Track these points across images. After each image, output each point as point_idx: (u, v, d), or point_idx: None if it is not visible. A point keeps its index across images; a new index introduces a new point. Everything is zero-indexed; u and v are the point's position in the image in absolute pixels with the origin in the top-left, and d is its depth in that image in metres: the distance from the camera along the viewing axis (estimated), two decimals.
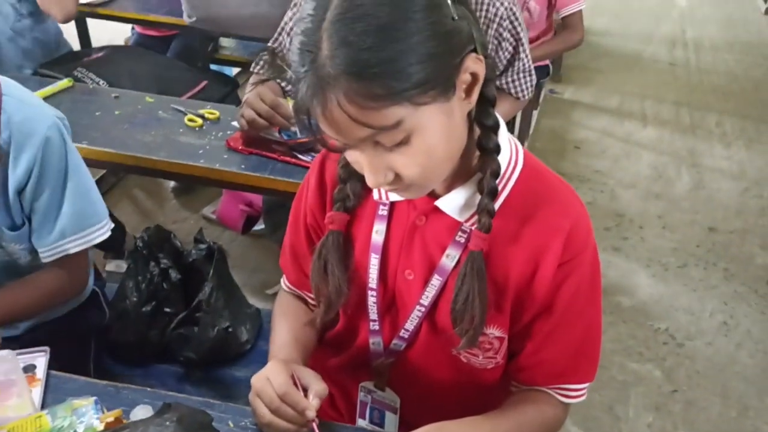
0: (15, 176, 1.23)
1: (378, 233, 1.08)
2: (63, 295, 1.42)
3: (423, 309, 1.07)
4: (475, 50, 0.84)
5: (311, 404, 0.97)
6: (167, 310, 1.61)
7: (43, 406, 1.04)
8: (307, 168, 1.62)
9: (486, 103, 0.91)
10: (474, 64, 0.84)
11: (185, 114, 1.89)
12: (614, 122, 4.21)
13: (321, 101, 0.80)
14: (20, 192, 1.24)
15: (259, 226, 2.71)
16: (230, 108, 1.94)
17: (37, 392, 1.06)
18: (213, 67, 3.28)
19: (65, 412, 1.01)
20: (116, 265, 2.56)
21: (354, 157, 0.89)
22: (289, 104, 1.64)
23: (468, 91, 0.86)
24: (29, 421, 1.00)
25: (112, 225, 1.39)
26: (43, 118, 1.25)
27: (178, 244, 1.67)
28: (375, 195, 1.06)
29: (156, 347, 1.63)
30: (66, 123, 1.30)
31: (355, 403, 1.23)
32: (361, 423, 1.20)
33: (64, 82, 1.97)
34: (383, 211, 1.07)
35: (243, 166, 1.69)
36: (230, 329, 1.60)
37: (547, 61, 3.21)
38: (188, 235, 3.08)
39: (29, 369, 1.11)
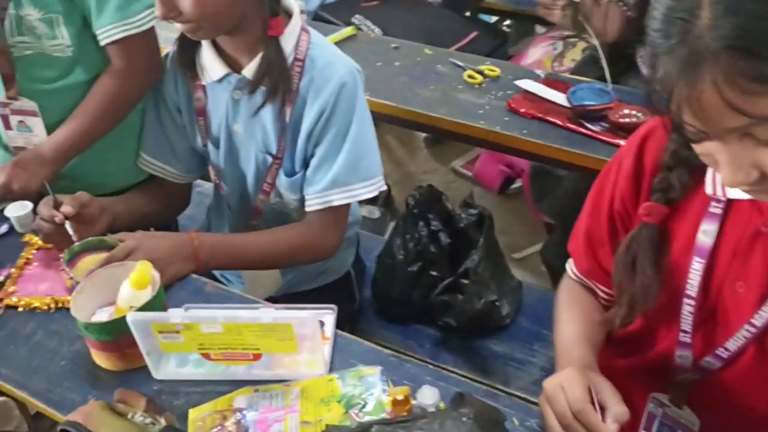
0: (309, 118, 1.23)
1: (706, 234, 0.91)
2: (311, 250, 1.36)
3: (753, 329, 0.90)
4: None
5: (609, 430, 0.85)
6: (433, 273, 1.58)
7: (330, 368, 1.04)
8: (599, 141, 1.49)
9: None
10: None
11: (464, 69, 1.80)
12: None
13: (691, 81, 0.66)
14: (309, 135, 1.25)
15: (516, 184, 2.62)
16: (511, 66, 1.83)
17: (325, 351, 1.06)
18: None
19: (354, 379, 1.00)
20: (369, 211, 2.61)
21: (709, 148, 0.73)
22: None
23: None
24: (322, 382, 1.00)
25: (384, 186, 1.33)
26: (343, 64, 1.25)
27: (449, 207, 1.62)
28: (708, 189, 0.89)
29: (417, 308, 1.61)
30: (361, 74, 1.28)
31: (637, 411, 1.09)
32: None
33: (349, 30, 1.99)
34: (716, 209, 0.90)
35: (525, 131, 1.58)
36: (496, 303, 1.53)
37: None
38: (437, 187, 3.11)
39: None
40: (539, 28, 3.95)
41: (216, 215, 1.51)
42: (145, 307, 1.03)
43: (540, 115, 1.60)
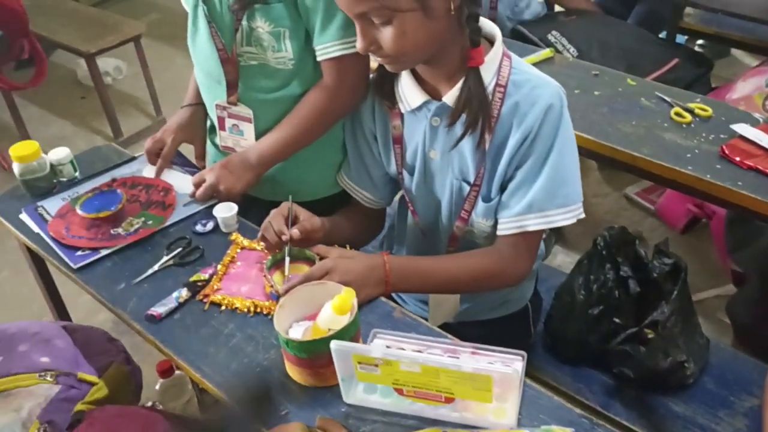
0: (512, 143, 1.20)
1: None
2: (499, 277, 1.32)
3: None
4: None
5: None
6: (615, 320, 1.50)
7: (519, 420, 1.01)
8: None
9: None
10: None
11: (671, 105, 1.69)
12: None
13: None
14: (510, 159, 1.22)
15: None
16: (725, 106, 1.69)
17: (513, 400, 1.03)
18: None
19: None
20: None
21: None
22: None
23: None
24: None
25: (580, 213, 1.27)
26: (548, 86, 1.21)
27: (642, 253, 1.53)
28: None
29: (593, 352, 1.55)
30: (564, 95, 1.23)
31: None
32: None
33: (546, 52, 1.93)
34: None
35: (740, 183, 1.45)
36: (685, 364, 1.43)
37: None
38: (606, 213, 2.98)
39: None
40: (736, 52, 3.67)
41: (399, 238, 1.52)
42: (343, 332, 1.05)
43: (758, 166, 1.47)
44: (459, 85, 1.19)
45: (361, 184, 1.44)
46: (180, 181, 1.54)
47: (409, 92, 1.27)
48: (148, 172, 1.60)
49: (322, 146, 1.48)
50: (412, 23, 1.09)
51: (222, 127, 1.49)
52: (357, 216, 1.47)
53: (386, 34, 1.11)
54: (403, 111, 1.30)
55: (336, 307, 1.05)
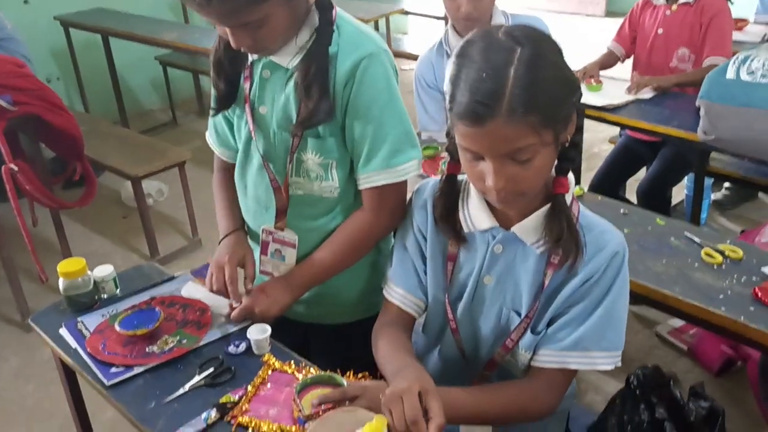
0: (574, 284, 1.21)
1: None
2: (528, 409, 1.27)
3: None
4: None
5: None
6: None
7: None
8: None
9: None
10: None
11: (701, 246, 1.72)
12: None
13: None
14: (568, 297, 1.23)
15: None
16: (756, 250, 1.70)
17: None
18: None
19: None
20: None
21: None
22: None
23: None
24: None
25: (619, 361, 1.25)
26: (615, 233, 1.24)
27: (678, 395, 1.50)
28: None
29: None
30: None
31: None
32: None
33: (576, 190, 1.98)
34: None
35: None
36: None
37: None
38: (637, 351, 2.92)
39: None
40: (764, 196, 3.73)
41: (431, 348, 1.50)
42: None
43: None
44: (536, 215, 1.21)
45: (414, 290, 1.39)
46: (216, 302, 1.58)
47: (477, 214, 1.28)
48: (187, 291, 1.64)
49: (359, 270, 1.51)
50: (549, 157, 1.12)
51: (264, 252, 1.54)
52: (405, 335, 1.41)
53: (526, 172, 1.10)
54: (465, 231, 1.30)
55: None
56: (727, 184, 3.69)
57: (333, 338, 1.61)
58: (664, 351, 2.76)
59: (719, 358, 2.30)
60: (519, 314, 1.29)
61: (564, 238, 1.19)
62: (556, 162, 1.19)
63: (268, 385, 1.36)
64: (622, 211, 1.93)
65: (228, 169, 1.63)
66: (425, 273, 1.39)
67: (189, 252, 3.59)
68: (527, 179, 1.12)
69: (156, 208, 4.00)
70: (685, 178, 3.26)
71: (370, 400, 1.20)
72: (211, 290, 1.52)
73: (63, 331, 1.54)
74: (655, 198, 2.92)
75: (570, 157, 1.19)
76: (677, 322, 2.80)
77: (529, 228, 1.23)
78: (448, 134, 1.23)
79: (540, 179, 1.15)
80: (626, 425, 1.49)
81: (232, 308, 1.51)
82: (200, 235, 3.66)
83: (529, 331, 1.28)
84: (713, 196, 3.63)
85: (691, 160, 2.93)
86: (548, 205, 1.21)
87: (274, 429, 1.25)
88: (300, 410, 1.25)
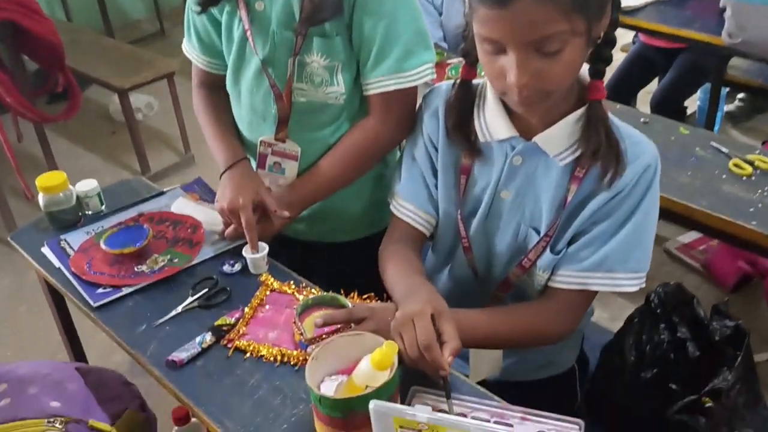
0: (601, 198, 1.11)
1: None
2: (543, 333, 1.20)
3: None
4: None
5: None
6: (672, 386, 1.38)
7: None
8: None
9: None
10: None
11: (729, 157, 1.60)
12: None
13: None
14: (593, 213, 1.12)
15: None
16: None
17: None
18: None
19: None
20: None
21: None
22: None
23: None
24: None
25: (643, 282, 1.17)
26: (649, 144, 1.13)
27: (701, 314, 1.42)
28: None
29: (645, 421, 1.42)
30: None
31: None
32: None
33: None
34: None
35: None
36: None
37: None
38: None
39: None
40: None
41: (440, 267, 1.40)
42: (382, 390, 0.95)
43: None
44: (562, 124, 1.09)
45: (424, 206, 1.27)
46: (209, 218, 1.47)
47: (494, 122, 1.15)
48: (177, 207, 1.53)
49: (364, 183, 1.40)
50: (579, 51, 0.99)
51: (262, 165, 1.42)
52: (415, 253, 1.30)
53: (553, 66, 0.97)
54: (481, 141, 1.18)
55: (375, 362, 0.95)
56: (741, 95, 3.54)
57: (335, 257, 1.51)
58: (673, 267, 2.69)
59: (735, 274, 2.22)
60: (538, 232, 1.19)
61: (602, 151, 1.07)
62: (587, 65, 1.06)
63: (267, 306, 1.27)
64: (642, 120, 1.81)
65: (212, 85, 1.47)
66: (436, 187, 1.27)
67: (182, 168, 3.46)
68: (554, 75, 0.99)
69: (146, 123, 3.85)
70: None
71: (379, 323, 1.11)
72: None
73: (45, 250, 1.44)
74: (669, 109, 2.78)
75: (604, 57, 1.05)
76: (686, 238, 2.72)
77: (552, 138, 1.11)
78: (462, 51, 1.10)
79: (568, 77, 1.03)
80: (644, 345, 1.42)
81: (226, 225, 1.40)
82: (193, 151, 3.53)
83: (548, 250, 1.18)
84: (725, 108, 3.48)
85: (708, 69, 2.78)
86: (576, 114, 1.09)
87: (275, 353, 1.17)
88: (302, 333, 1.16)
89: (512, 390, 1.36)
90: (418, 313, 1.03)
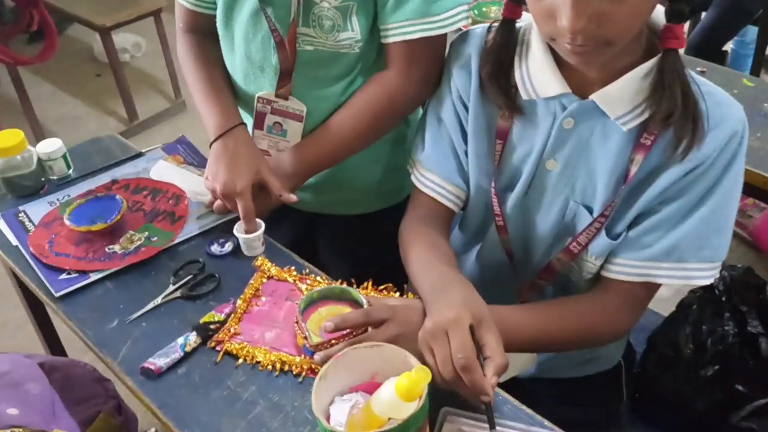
0: (674, 172, 0.90)
1: None
2: (599, 332, 1.01)
3: None
4: None
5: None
6: (739, 387, 1.18)
7: None
8: None
9: None
10: None
11: None
12: None
13: None
14: (662, 191, 0.92)
15: None
16: None
17: None
18: None
19: None
20: None
21: None
22: None
23: None
24: None
25: (717, 274, 0.96)
26: (735, 106, 0.90)
27: None
28: None
29: (699, 423, 1.23)
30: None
31: None
32: None
33: None
34: None
35: None
36: None
37: None
38: None
39: None
40: None
41: (462, 251, 1.19)
42: (409, 423, 0.75)
43: None
44: (627, 79, 0.87)
45: (451, 177, 1.05)
46: (194, 186, 1.25)
47: (541, 76, 0.93)
48: (157, 172, 1.30)
49: (380, 147, 1.17)
50: None
51: (259, 126, 1.18)
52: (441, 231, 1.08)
53: (617, 8, 0.77)
54: (524, 98, 0.96)
55: (402, 392, 0.74)
56: None
57: (345, 233, 1.29)
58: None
59: None
60: (590, 211, 0.97)
61: (677, 114, 0.84)
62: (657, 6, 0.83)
63: (263, 298, 1.06)
64: (698, 69, 1.55)
65: (200, 29, 1.21)
66: (466, 154, 1.05)
67: (172, 115, 3.21)
68: (619, 20, 0.78)
69: (134, 65, 3.58)
70: None
71: (402, 327, 0.90)
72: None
73: (0, 224, 1.22)
74: (708, 53, 2.51)
75: None
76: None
77: (614, 96, 0.89)
78: None
79: (635, 23, 0.81)
80: (705, 337, 1.21)
81: (215, 195, 1.18)
82: (184, 96, 3.27)
83: (602, 233, 0.97)
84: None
85: (750, 9, 2.51)
86: (644, 66, 0.86)
87: (273, 360, 0.96)
88: (306, 337, 0.95)
89: (548, 388, 1.18)
90: (452, 323, 0.82)
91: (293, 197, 1.12)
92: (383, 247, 1.10)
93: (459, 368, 0.80)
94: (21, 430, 1.02)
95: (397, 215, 1.11)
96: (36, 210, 1.23)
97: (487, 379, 0.80)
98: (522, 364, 1.16)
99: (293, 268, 1.10)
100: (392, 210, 1.19)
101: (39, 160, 1.29)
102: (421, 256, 0.99)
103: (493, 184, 1.03)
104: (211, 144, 1.15)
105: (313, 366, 0.94)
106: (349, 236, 1.28)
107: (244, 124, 1.17)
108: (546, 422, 0.88)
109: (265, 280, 1.09)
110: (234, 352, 0.97)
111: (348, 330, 0.92)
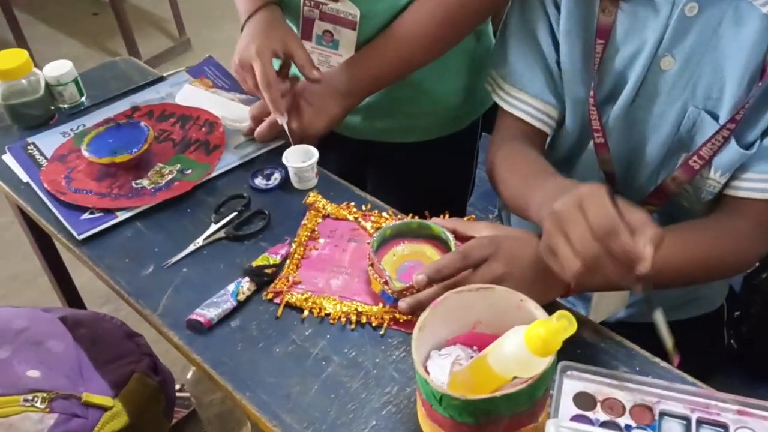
0: None
1: None
2: (730, 260, 0.87)
3: None
4: None
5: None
6: None
7: None
8: None
9: None
10: None
11: None
12: None
13: None
14: None
15: None
16: None
17: None
18: None
19: None
20: None
21: None
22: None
23: None
24: None
25: None
26: None
27: None
28: None
29: None
30: None
31: None
32: None
33: None
34: None
35: None
36: None
37: None
38: None
39: None
40: None
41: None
42: (540, 383, 0.60)
43: None
44: None
45: (541, 92, 0.90)
46: (231, 112, 1.08)
47: None
48: (183, 97, 1.13)
49: (449, 60, 1.00)
50: None
51: (307, 35, 1.00)
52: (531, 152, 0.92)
53: None
54: None
55: (537, 344, 0.58)
56: None
57: (403, 164, 1.12)
58: None
59: None
60: (716, 117, 0.81)
61: None
62: None
63: (321, 240, 0.90)
64: None
65: None
66: (558, 64, 0.87)
67: (176, 55, 3.02)
68: None
69: (133, 2, 3.36)
70: None
71: (508, 264, 0.75)
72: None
73: (7, 158, 1.05)
74: None
75: None
76: None
77: None
78: None
79: None
80: None
81: (255, 120, 1.01)
82: (188, 34, 3.06)
83: (732, 143, 0.81)
84: None
85: None
86: None
87: (346, 311, 0.80)
88: (386, 282, 0.79)
89: (638, 333, 1.03)
90: (588, 195, 0.66)
91: (316, 74, 0.95)
92: (452, 180, 0.94)
93: (604, 234, 0.63)
94: (45, 394, 0.88)
95: (469, 142, 0.95)
96: (47, 142, 1.06)
97: (640, 246, 0.64)
98: (614, 305, 1.02)
99: (352, 203, 0.94)
100: (461, 135, 1.03)
101: (47, 85, 1.12)
102: (524, 171, 0.84)
103: (592, 94, 0.86)
104: (242, 28, 0.99)
105: (396, 316, 0.79)
106: (408, 167, 1.12)
107: (277, 4, 1.00)
108: (690, 378, 0.74)
109: (320, 220, 0.92)
110: (298, 304, 0.82)
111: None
